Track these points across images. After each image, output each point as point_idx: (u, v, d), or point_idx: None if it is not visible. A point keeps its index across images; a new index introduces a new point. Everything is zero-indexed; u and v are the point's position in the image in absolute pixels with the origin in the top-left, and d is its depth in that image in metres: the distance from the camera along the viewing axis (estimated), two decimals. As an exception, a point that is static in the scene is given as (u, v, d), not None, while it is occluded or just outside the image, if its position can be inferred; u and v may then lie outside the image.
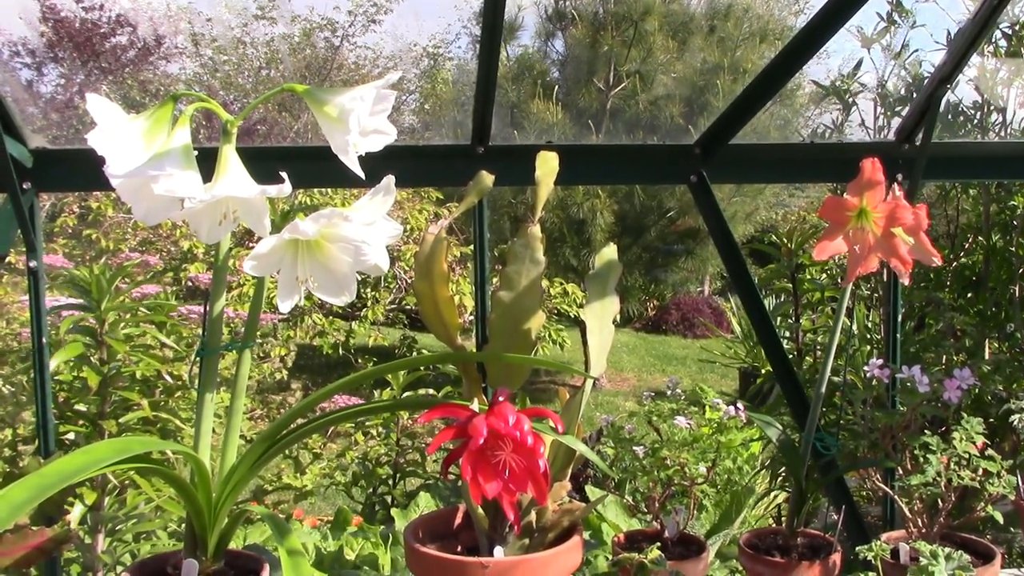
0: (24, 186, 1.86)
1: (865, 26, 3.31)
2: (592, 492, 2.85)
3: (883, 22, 3.23)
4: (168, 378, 2.49)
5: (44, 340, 1.90)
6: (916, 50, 3.21)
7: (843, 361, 2.18)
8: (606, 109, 9.06)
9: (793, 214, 9.93)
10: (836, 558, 1.66)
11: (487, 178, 1.51)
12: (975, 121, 3.15)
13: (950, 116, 3.14)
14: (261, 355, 4.83)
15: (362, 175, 1.21)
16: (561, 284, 7.97)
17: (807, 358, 2.91)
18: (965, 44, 1.93)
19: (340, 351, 6.99)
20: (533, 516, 1.44)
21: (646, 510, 1.76)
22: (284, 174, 1.14)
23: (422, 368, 3.48)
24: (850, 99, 3.39)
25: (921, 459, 1.61)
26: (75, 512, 2.19)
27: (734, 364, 6.03)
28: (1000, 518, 1.60)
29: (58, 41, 11.72)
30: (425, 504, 2.78)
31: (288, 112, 11.39)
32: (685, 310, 12.62)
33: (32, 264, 1.88)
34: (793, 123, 9.01)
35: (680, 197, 8.67)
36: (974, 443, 1.61)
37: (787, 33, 9.28)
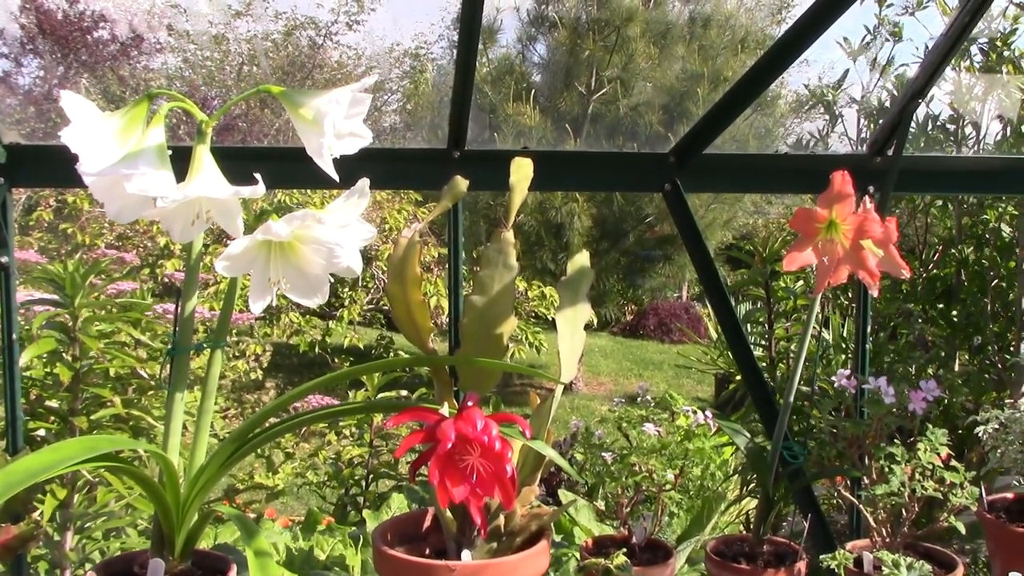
0: (-3, 181, 1.85)
1: (852, 37, 3.34)
2: (565, 496, 2.86)
3: (869, 34, 3.26)
4: (144, 374, 2.48)
5: (14, 336, 1.89)
6: (902, 65, 3.25)
7: (815, 370, 2.19)
8: (587, 114, 9.07)
9: (771, 222, 9.97)
10: (801, 566, 1.68)
11: (461, 183, 1.52)
12: (949, 132, 3.18)
13: (928, 125, 3.16)
14: (236, 354, 4.81)
15: (336, 178, 1.21)
16: (539, 287, 7.99)
17: (780, 366, 2.93)
18: (937, 59, 1.94)
19: (316, 350, 6.98)
20: (501, 520, 1.45)
21: (615, 516, 1.77)
22: (258, 175, 1.14)
23: (398, 369, 3.48)
24: (837, 110, 3.42)
25: (886, 469, 1.63)
26: (46, 509, 2.18)
27: (710, 370, 6.04)
28: (962, 529, 1.61)
29: (39, 33, 11.64)
30: (398, 505, 2.78)
31: (269, 109, 11.35)
32: (662, 315, 12.66)
33: (3, 259, 1.87)
34: (774, 132, 9.05)
35: (658, 203, 8.68)
36: (938, 454, 1.63)
37: (768, 42, 9.32)
